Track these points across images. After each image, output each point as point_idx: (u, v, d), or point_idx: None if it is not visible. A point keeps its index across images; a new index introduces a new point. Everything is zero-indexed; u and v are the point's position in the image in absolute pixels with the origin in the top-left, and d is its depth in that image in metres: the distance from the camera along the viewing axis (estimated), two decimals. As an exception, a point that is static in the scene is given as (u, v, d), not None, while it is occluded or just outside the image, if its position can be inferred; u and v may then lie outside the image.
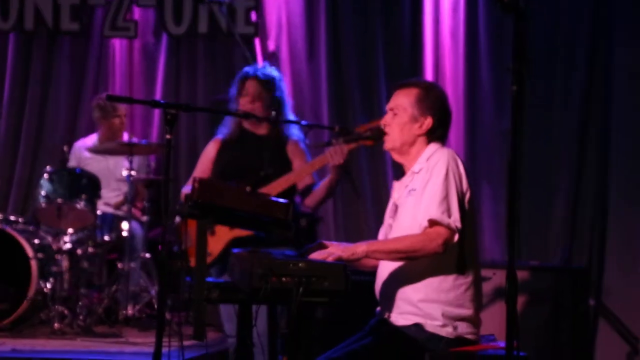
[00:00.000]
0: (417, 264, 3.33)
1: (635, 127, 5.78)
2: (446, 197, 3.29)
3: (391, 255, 3.32)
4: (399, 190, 3.55)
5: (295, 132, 4.51)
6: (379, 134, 3.86)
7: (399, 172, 3.63)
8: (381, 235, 3.63)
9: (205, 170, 4.51)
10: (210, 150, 4.55)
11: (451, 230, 3.26)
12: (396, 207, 3.51)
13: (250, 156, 4.36)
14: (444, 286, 3.35)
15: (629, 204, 5.87)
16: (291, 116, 4.53)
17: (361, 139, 3.98)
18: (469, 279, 3.39)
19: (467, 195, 3.38)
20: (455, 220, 3.27)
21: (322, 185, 4.28)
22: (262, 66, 4.65)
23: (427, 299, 3.34)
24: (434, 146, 3.47)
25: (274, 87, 4.45)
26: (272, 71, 4.58)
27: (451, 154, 3.40)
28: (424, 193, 3.34)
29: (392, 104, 3.54)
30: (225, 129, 4.55)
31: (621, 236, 5.96)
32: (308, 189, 4.35)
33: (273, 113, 4.39)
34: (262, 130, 4.44)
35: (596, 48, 6.18)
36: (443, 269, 3.35)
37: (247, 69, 4.58)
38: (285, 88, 4.59)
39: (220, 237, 4.20)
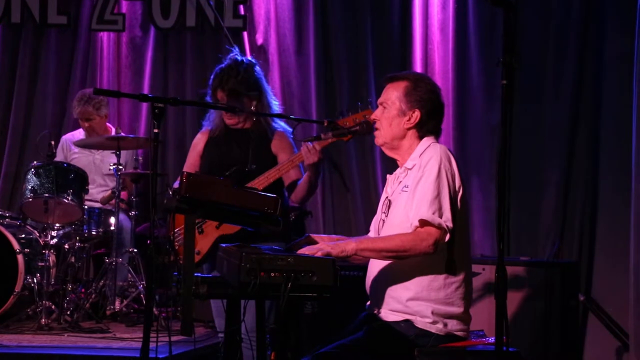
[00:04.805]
0: (407, 262, 3.30)
1: (625, 121, 5.77)
2: (438, 196, 3.26)
3: (381, 254, 3.30)
4: (392, 184, 3.53)
5: (281, 124, 4.45)
6: (368, 128, 3.85)
7: (389, 166, 3.62)
8: (372, 227, 3.61)
9: (194, 164, 4.48)
10: (197, 144, 4.51)
11: (442, 230, 3.24)
12: (389, 202, 3.49)
13: (235, 152, 4.32)
14: (435, 285, 3.33)
15: (619, 198, 5.87)
16: (274, 102, 4.46)
17: (350, 133, 3.96)
18: (460, 277, 3.37)
19: (460, 193, 3.35)
20: (446, 220, 3.25)
21: (302, 182, 4.26)
22: (228, 65, 4.35)
23: (417, 297, 3.32)
24: (427, 141, 3.45)
25: (246, 87, 4.31)
26: (237, 71, 4.31)
27: (444, 150, 3.37)
28: (416, 191, 3.31)
29: (382, 98, 3.52)
30: (210, 122, 4.50)
31: (611, 231, 5.96)
32: (293, 184, 4.32)
33: (253, 107, 4.32)
34: (246, 124, 4.39)
35: (587, 39, 6.18)
36: (434, 268, 3.33)
37: (214, 76, 4.36)
38: (261, 74, 4.45)
39: (208, 235, 4.18)
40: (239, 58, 4.40)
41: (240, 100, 4.30)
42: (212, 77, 4.39)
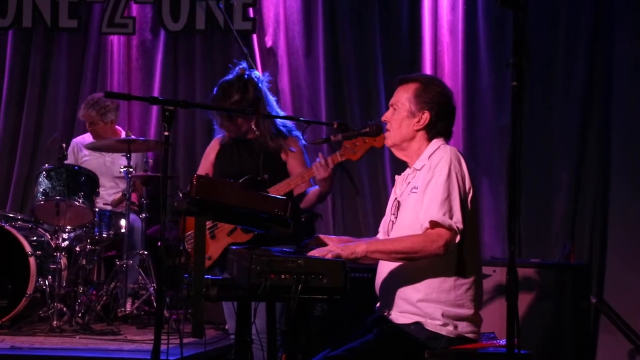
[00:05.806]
0: (417, 264, 3.30)
1: (636, 122, 5.76)
2: (448, 198, 3.26)
3: (391, 255, 3.30)
4: (400, 185, 3.53)
5: (290, 131, 4.42)
6: (378, 130, 3.86)
7: (398, 168, 3.61)
8: (381, 228, 3.61)
9: (207, 173, 4.48)
10: (210, 153, 4.51)
11: (453, 231, 3.24)
12: (398, 203, 3.49)
13: (246, 161, 4.31)
14: (445, 286, 3.33)
15: (631, 199, 5.85)
16: (278, 110, 4.44)
17: (360, 135, 3.97)
18: (470, 279, 3.36)
19: (470, 195, 3.35)
20: (457, 221, 3.24)
21: (312, 192, 4.27)
22: (228, 83, 4.33)
23: (428, 299, 3.32)
24: (436, 142, 3.45)
25: (242, 107, 4.28)
26: (235, 90, 4.28)
27: (454, 152, 3.37)
28: (426, 193, 3.31)
29: (393, 99, 3.53)
30: (220, 131, 4.49)
31: (622, 232, 5.94)
32: (302, 194, 4.33)
33: (252, 124, 4.29)
34: (248, 135, 4.36)
35: (597, 40, 6.16)
36: (444, 270, 3.33)
37: (214, 91, 4.35)
38: (265, 90, 4.41)
39: (220, 241, 4.19)
40: (242, 74, 4.35)
41: (233, 121, 4.30)
42: (214, 90, 4.37)
